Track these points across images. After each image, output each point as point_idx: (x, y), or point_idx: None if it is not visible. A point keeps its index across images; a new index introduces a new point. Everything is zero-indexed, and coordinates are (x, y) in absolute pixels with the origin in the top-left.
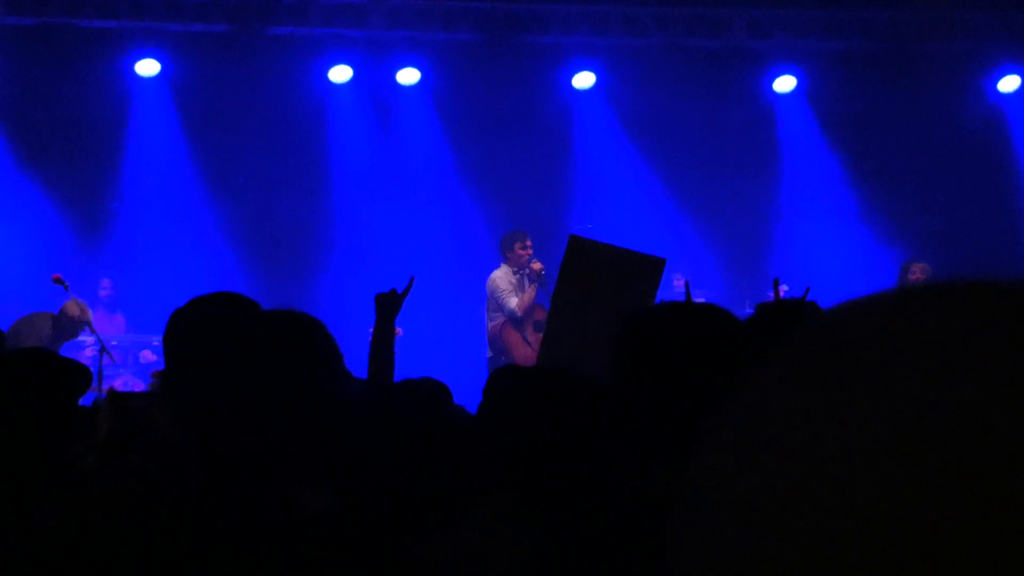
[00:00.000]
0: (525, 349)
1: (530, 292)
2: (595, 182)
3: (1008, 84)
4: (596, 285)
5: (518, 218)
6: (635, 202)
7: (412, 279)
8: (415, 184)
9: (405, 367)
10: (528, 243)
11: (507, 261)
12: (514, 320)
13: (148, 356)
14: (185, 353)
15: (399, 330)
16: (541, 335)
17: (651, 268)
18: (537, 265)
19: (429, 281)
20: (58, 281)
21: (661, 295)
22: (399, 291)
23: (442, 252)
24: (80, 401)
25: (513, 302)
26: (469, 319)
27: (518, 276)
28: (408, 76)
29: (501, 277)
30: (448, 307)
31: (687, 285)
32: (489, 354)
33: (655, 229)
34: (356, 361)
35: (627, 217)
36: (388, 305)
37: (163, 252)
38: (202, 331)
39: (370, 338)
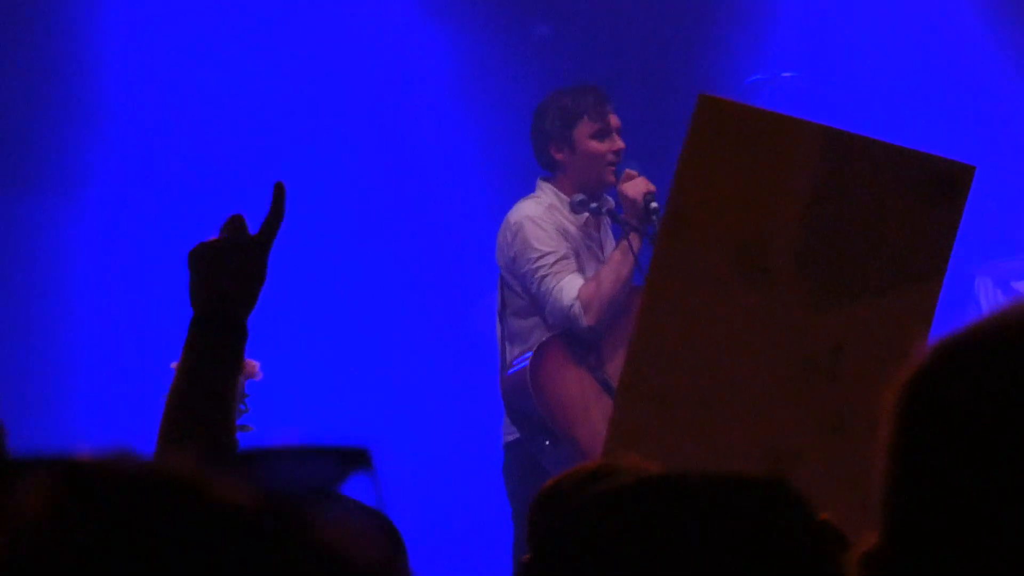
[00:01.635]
0: (605, 410)
1: (619, 259)
2: None
3: None
4: (781, 231)
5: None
6: None
7: (280, 188)
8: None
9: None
10: (612, 121)
11: (555, 174)
12: (573, 331)
13: None
14: None
15: (252, 366)
16: None
17: (940, 185)
18: (640, 186)
19: (360, 259)
20: None
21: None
22: (247, 230)
23: (381, 190)
24: None
25: (572, 285)
26: (457, 342)
27: (585, 215)
28: None
29: (538, 219)
30: (407, 313)
31: None
32: (509, 437)
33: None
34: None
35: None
36: (212, 282)
37: None
38: None
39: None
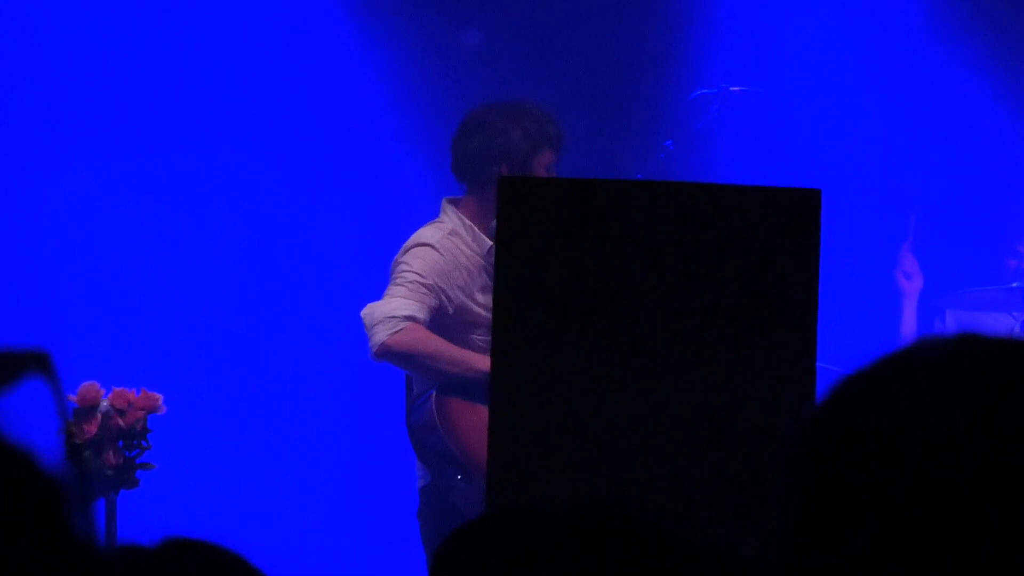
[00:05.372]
0: None
1: (458, 361)
2: None
3: None
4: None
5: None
6: None
7: None
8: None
9: None
10: (553, 158)
11: (476, 195)
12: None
13: None
14: None
15: (154, 400)
16: None
17: (787, 217)
18: None
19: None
20: None
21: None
22: None
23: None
24: None
25: (405, 306)
26: (368, 381)
27: (490, 244)
28: None
29: (433, 243)
30: (317, 340)
31: None
32: (423, 481)
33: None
34: None
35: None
36: None
37: None
38: None
39: None
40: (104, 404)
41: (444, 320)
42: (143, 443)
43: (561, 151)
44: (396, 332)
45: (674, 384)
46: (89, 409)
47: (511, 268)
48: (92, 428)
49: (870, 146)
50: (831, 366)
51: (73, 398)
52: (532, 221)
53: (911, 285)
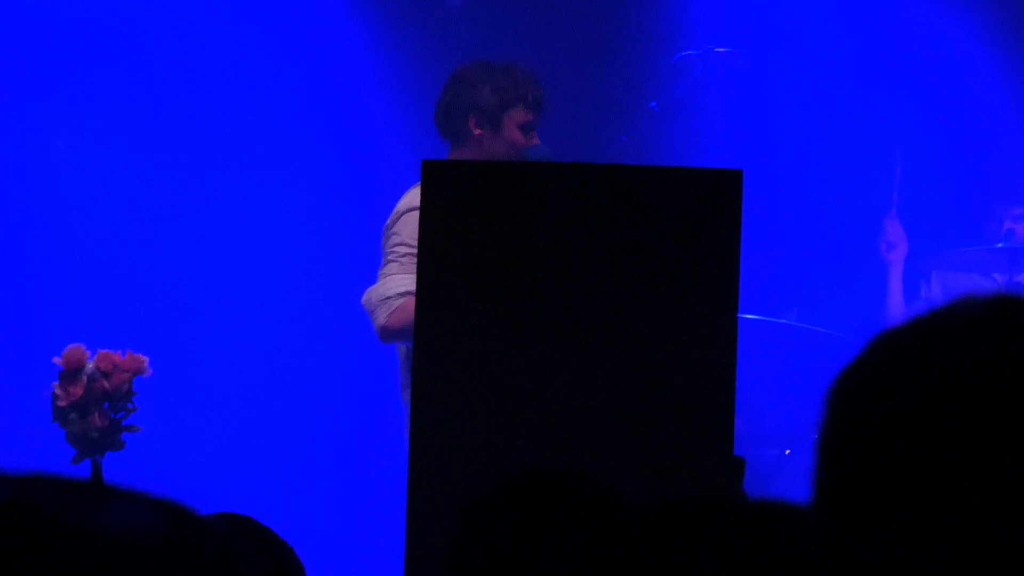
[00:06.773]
0: None
1: None
2: None
3: None
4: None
5: None
6: None
7: None
8: None
9: None
10: (528, 117)
11: (451, 151)
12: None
13: None
14: None
15: (140, 362)
16: None
17: (708, 197)
18: None
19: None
20: None
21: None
22: None
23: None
24: None
25: (403, 283)
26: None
27: None
28: None
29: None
30: (306, 302)
31: None
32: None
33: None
34: None
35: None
36: None
37: None
38: None
39: None
40: (89, 366)
41: None
42: (128, 405)
43: (541, 113)
44: (392, 312)
45: (598, 361)
46: (74, 371)
47: (434, 248)
48: (77, 390)
49: (854, 108)
50: (822, 328)
51: (58, 360)
52: (455, 203)
53: (896, 254)
